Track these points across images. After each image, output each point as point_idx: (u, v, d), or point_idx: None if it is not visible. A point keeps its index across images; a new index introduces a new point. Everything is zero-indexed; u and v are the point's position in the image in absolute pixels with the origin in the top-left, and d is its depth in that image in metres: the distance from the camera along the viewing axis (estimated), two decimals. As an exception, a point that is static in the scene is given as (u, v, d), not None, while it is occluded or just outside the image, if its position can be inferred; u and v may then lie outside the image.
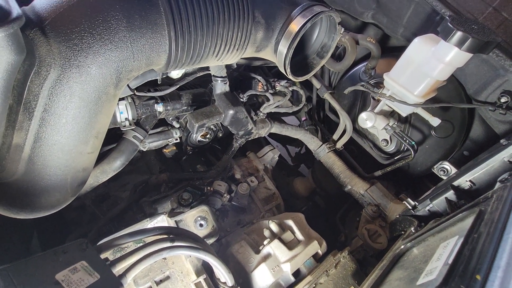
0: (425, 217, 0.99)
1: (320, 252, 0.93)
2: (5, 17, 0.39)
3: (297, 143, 2.18)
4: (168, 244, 0.71)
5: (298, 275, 0.87)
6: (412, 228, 0.93)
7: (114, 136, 1.00)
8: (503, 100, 0.91)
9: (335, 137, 1.41)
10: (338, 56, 1.47)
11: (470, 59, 0.88)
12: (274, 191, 1.42)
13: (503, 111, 0.91)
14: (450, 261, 0.52)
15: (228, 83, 1.01)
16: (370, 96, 1.43)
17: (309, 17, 0.74)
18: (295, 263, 0.85)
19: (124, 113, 0.91)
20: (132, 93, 0.82)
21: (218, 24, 0.62)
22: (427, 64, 0.89)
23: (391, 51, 1.46)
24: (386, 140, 1.40)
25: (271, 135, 2.10)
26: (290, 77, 0.86)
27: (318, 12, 0.75)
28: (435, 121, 1.15)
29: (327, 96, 1.34)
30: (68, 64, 0.48)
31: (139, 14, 0.52)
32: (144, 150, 1.00)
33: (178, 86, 0.91)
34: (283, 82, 1.28)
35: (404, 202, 1.05)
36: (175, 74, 0.88)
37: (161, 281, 0.79)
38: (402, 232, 1.03)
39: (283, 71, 0.85)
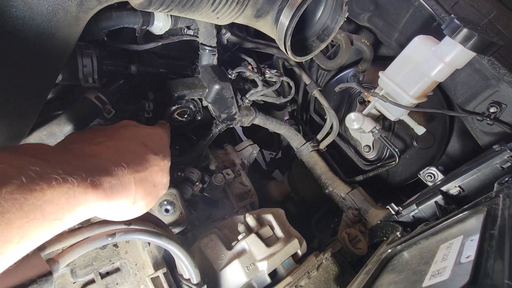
0: (409, 223, 0.94)
1: (299, 252, 0.83)
2: None
3: (272, 147, 2.11)
4: (122, 226, 0.56)
5: (274, 276, 0.76)
6: (398, 233, 0.87)
7: (70, 100, 0.84)
8: (492, 110, 0.91)
9: (319, 137, 1.35)
10: (328, 57, 1.43)
11: (462, 68, 0.88)
12: (250, 188, 1.31)
13: (491, 121, 0.91)
14: (464, 260, 0.46)
15: (216, 55, 0.91)
16: (357, 101, 1.40)
17: (319, -15, 0.67)
18: (272, 261, 0.74)
19: (88, 67, 0.75)
20: (103, 37, 0.67)
21: (222, -40, 0.52)
22: (426, 63, 0.87)
23: (381, 59, 1.47)
24: (368, 146, 1.38)
25: (248, 135, 2.01)
26: (289, 54, 0.78)
27: (329, -18, 0.68)
28: (420, 130, 1.14)
29: (316, 92, 1.29)
30: None
31: None
32: (108, 117, 0.84)
33: (159, 43, 0.78)
34: (273, 71, 1.20)
35: (388, 207, 1.00)
36: (158, 28, 0.75)
37: (107, 273, 0.63)
38: (384, 238, 0.98)
39: (282, 45, 0.77)
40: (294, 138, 1.33)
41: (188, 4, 0.55)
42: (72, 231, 0.53)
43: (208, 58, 0.89)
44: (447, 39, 0.79)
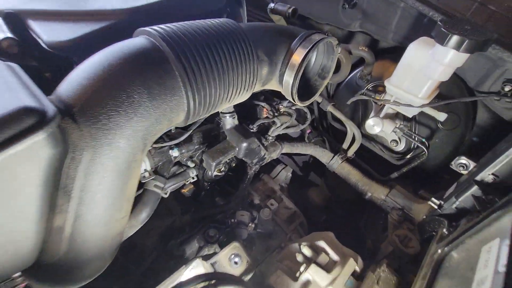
0: (453, 215, 0.99)
1: (357, 269, 0.92)
2: (42, 119, 0.40)
3: (303, 154, 2.19)
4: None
5: (341, 297, 0.86)
6: (444, 230, 0.93)
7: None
8: (507, 89, 0.93)
9: (344, 146, 1.43)
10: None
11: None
12: (295, 210, 1.43)
13: (509, 99, 0.93)
14: (500, 269, 0.53)
15: (236, 117, 1.03)
16: (372, 100, 1.45)
17: (309, 47, 0.77)
18: (337, 285, 0.85)
19: (142, 165, 0.92)
20: (150, 147, 0.83)
21: (228, 73, 0.64)
22: (427, 67, 0.91)
23: (384, 53, 1.50)
24: (395, 140, 1.42)
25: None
26: (298, 103, 0.88)
27: (317, 40, 0.77)
28: (441, 116, 1.17)
29: (330, 108, 1.36)
30: (100, 144, 0.50)
31: (157, 83, 0.54)
32: (166, 196, 1.01)
33: (191, 131, 0.93)
34: (285, 103, 1.30)
35: (429, 202, 1.06)
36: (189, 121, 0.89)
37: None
38: (433, 233, 1.03)
39: (290, 99, 0.87)
40: (322, 155, 1.41)
41: (212, 109, 0.68)
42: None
43: (230, 122, 1.02)
44: (440, 45, 0.84)
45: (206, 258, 0.90)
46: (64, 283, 0.64)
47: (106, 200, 0.56)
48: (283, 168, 1.56)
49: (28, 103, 0.40)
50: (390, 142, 1.43)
